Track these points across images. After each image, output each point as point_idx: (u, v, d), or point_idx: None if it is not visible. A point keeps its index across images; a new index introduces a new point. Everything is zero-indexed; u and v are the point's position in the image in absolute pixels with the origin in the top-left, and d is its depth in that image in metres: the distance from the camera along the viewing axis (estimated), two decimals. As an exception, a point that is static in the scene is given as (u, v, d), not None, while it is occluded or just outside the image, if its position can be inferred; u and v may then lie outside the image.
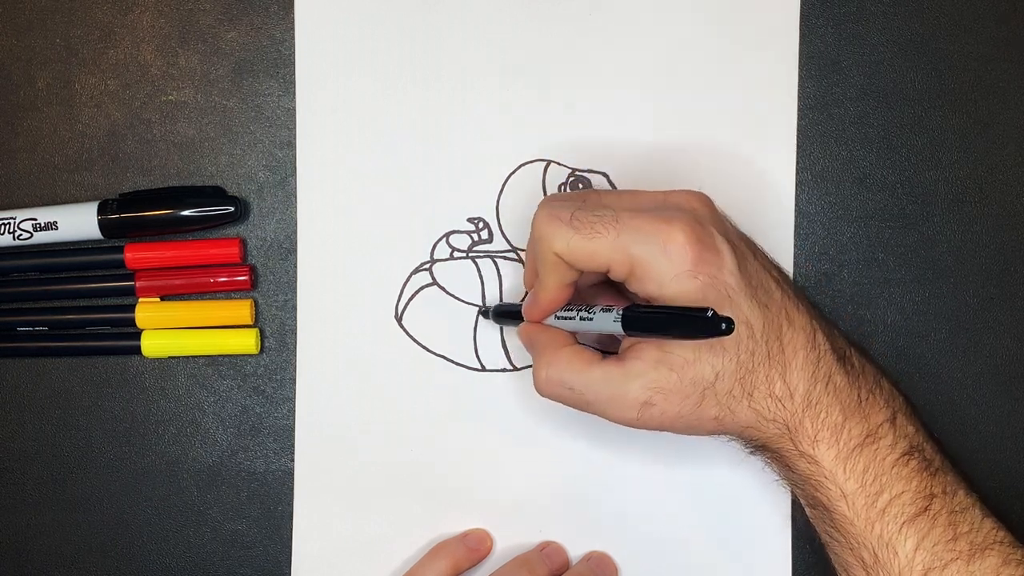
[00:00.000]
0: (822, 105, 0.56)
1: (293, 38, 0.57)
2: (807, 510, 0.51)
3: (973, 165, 0.56)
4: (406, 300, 0.57)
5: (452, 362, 0.57)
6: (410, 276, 0.57)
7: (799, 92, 0.56)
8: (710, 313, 0.42)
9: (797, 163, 0.56)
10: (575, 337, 0.50)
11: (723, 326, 0.42)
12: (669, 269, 0.46)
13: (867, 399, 0.49)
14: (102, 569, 0.58)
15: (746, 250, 0.49)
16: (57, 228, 0.56)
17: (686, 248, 0.46)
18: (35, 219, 0.56)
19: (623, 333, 0.46)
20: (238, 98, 0.57)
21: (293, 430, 0.57)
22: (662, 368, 0.46)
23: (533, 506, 0.57)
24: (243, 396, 0.58)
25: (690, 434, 0.49)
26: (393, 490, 0.57)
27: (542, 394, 0.49)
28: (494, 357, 0.57)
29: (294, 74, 0.57)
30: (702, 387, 0.46)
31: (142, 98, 0.58)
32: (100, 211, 0.56)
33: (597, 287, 0.52)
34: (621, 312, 0.46)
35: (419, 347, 0.57)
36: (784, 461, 0.49)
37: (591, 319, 0.48)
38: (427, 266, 0.57)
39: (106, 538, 0.58)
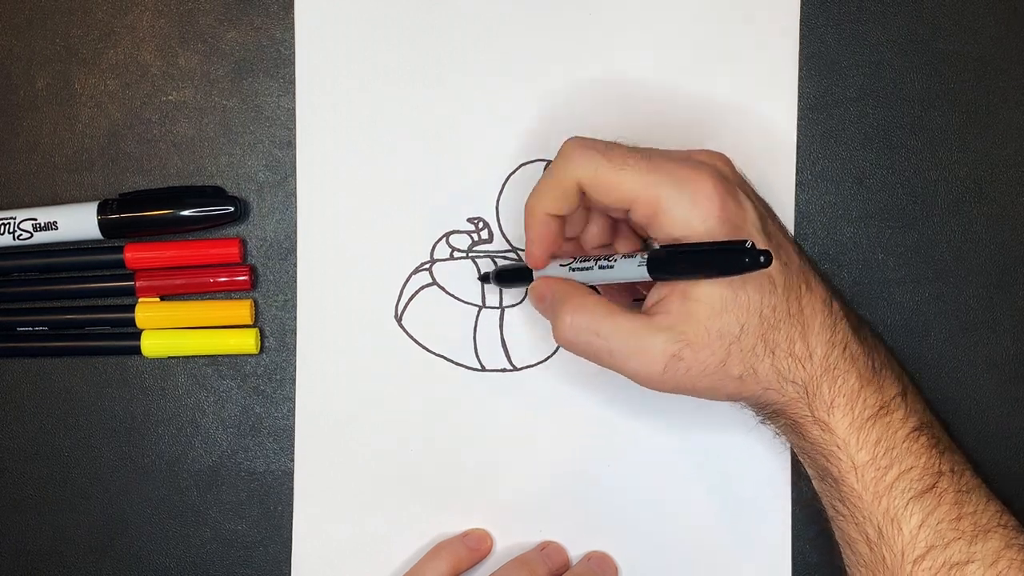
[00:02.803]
0: (822, 105, 0.56)
1: (293, 38, 0.57)
2: (815, 484, 0.51)
3: (973, 165, 0.56)
4: (406, 300, 0.57)
5: (452, 362, 0.57)
6: (410, 276, 0.57)
7: (799, 92, 0.56)
8: (750, 244, 0.42)
9: (797, 163, 0.56)
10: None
11: (762, 258, 0.41)
12: (695, 214, 0.46)
13: (881, 371, 0.49)
14: (102, 569, 0.58)
15: (766, 213, 0.49)
16: (57, 228, 0.56)
17: (713, 198, 0.46)
18: (35, 219, 0.56)
19: (648, 278, 0.46)
20: (238, 98, 0.57)
21: (293, 430, 0.57)
22: (690, 321, 0.46)
23: (533, 506, 0.57)
24: (243, 396, 0.58)
25: (711, 397, 0.48)
26: (393, 490, 0.57)
27: (564, 341, 0.48)
28: (494, 357, 0.57)
29: (294, 74, 0.57)
30: (728, 341, 0.46)
31: (142, 98, 0.58)
32: (100, 211, 0.56)
33: (599, 250, 0.52)
34: (647, 256, 0.45)
35: (419, 347, 0.57)
36: (798, 429, 0.49)
37: (612, 267, 0.47)
38: (427, 266, 0.57)
39: (106, 538, 0.58)
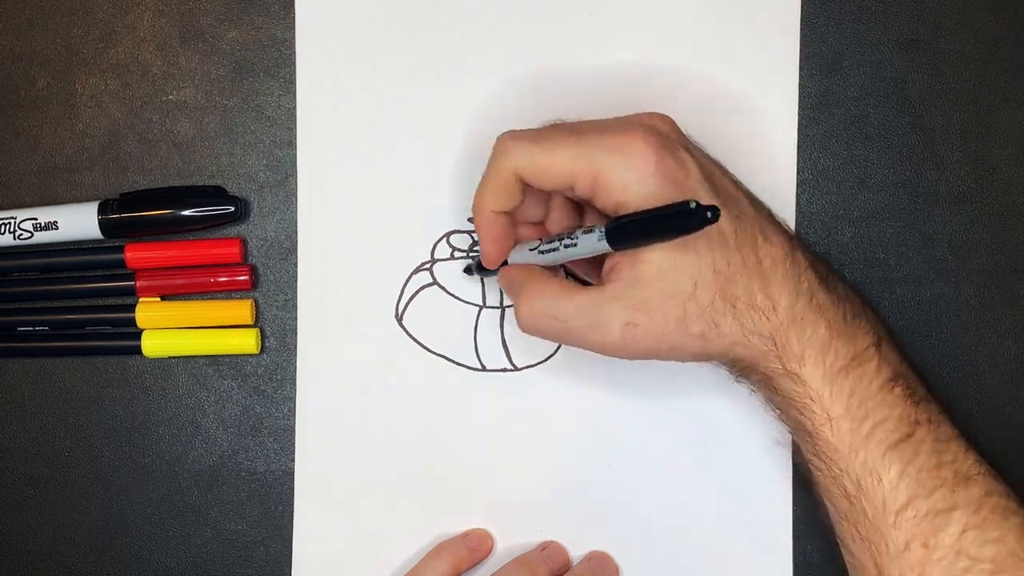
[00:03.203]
0: (822, 105, 0.56)
1: (293, 38, 0.57)
2: (794, 438, 0.51)
3: (973, 165, 0.56)
4: (406, 300, 0.57)
5: (452, 362, 0.57)
6: (410, 276, 0.57)
7: (799, 92, 0.56)
8: (693, 204, 0.42)
9: (797, 163, 0.56)
10: (558, 274, 0.50)
11: (708, 214, 0.41)
12: (632, 176, 0.46)
13: (852, 321, 0.48)
14: (102, 569, 0.58)
15: (714, 168, 0.49)
16: (57, 228, 0.56)
17: (648, 155, 0.46)
18: (35, 219, 0.56)
19: (611, 249, 0.46)
20: (238, 98, 0.57)
21: (293, 430, 0.57)
22: (639, 284, 0.46)
23: (533, 506, 0.57)
24: (243, 396, 0.58)
25: (676, 358, 0.48)
26: (393, 490, 0.57)
27: (526, 329, 0.49)
28: (494, 357, 0.57)
29: (294, 74, 0.57)
30: (683, 299, 0.46)
31: (142, 98, 0.58)
32: (100, 211, 0.56)
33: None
34: (604, 228, 0.45)
35: (419, 347, 0.57)
36: (770, 383, 0.48)
37: (575, 244, 0.47)
38: (427, 266, 0.57)
39: (106, 538, 0.58)
